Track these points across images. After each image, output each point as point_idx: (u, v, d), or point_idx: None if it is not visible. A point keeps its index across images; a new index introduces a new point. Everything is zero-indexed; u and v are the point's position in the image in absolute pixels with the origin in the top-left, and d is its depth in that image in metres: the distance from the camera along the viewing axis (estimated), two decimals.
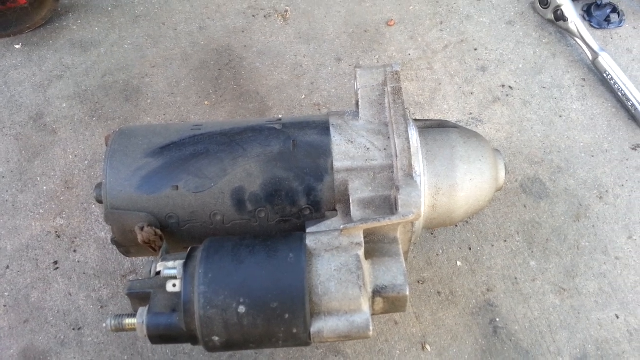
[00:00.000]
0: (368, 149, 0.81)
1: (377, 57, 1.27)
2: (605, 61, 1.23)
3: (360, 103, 0.85)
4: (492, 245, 1.03)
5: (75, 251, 0.99)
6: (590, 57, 1.26)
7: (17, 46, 1.23)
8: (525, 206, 1.07)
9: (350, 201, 0.78)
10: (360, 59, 1.26)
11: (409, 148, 0.79)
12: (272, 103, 1.19)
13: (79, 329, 0.91)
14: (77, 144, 1.10)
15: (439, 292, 0.98)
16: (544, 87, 1.23)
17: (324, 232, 0.75)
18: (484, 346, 0.92)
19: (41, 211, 1.03)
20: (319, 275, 0.71)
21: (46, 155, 1.09)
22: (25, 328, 0.91)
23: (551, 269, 1.00)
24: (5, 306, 0.93)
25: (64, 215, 1.02)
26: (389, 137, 0.81)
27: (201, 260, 0.71)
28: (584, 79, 1.24)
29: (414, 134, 0.83)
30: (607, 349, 0.92)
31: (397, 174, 0.79)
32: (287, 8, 1.33)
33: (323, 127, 0.83)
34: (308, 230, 0.76)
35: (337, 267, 0.72)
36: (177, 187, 0.78)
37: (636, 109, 1.17)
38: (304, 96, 1.20)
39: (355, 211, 0.77)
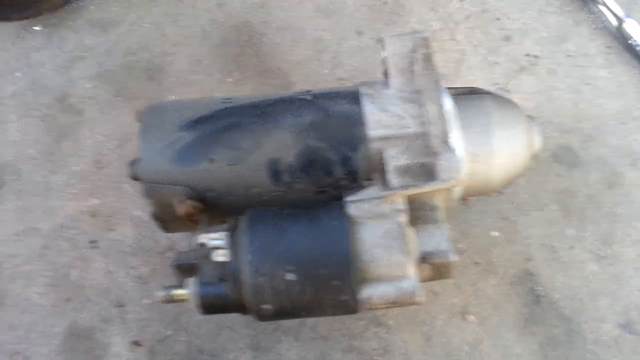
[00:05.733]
0: (401, 116, 0.81)
1: (399, 29, 1.25)
2: (631, 27, 1.22)
3: (390, 71, 0.84)
4: (528, 215, 1.02)
5: (111, 230, 1.00)
6: (615, 24, 1.24)
7: (36, 28, 1.23)
8: (558, 175, 1.07)
9: (387, 169, 0.78)
10: (381, 32, 1.25)
11: (444, 114, 0.79)
12: (295, 79, 1.18)
13: (121, 306, 0.92)
14: (104, 123, 1.11)
15: (476, 263, 0.98)
16: (569, 56, 1.21)
17: (365, 200, 0.75)
18: (525, 314, 0.93)
19: (74, 191, 1.03)
20: (364, 242, 0.71)
21: (74, 136, 1.09)
22: (67, 306, 0.93)
23: (588, 236, 1.00)
24: (46, 285, 0.95)
25: (97, 195, 1.03)
26: (421, 105, 0.81)
27: (246, 230, 0.71)
28: (609, 47, 1.22)
29: (447, 100, 0.83)
30: None
31: (433, 141, 0.78)
32: None
33: (354, 97, 0.83)
34: (347, 198, 0.76)
35: (381, 234, 0.72)
36: (213, 159, 0.78)
37: None
38: (327, 71, 1.19)
39: (392, 179, 0.77)
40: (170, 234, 0.97)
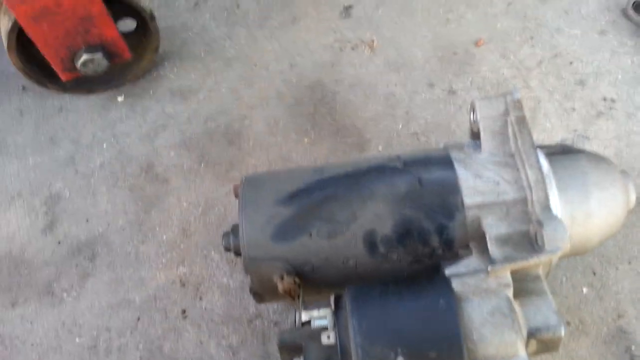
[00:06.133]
0: (497, 182, 0.79)
1: (470, 79, 1.24)
2: None
3: (482, 135, 0.83)
4: (617, 268, 0.98)
5: (201, 298, 1.01)
6: None
7: (119, 99, 1.28)
8: None
9: (487, 238, 0.76)
10: (452, 83, 1.24)
11: (543, 179, 0.77)
12: (369, 135, 1.18)
13: None
14: (189, 191, 1.13)
15: (568, 322, 0.94)
16: None
17: (468, 274, 0.73)
18: None
19: (164, 261, 1.05)
20: (472, 321, 0.69)
21: (161, 205, 1.12)
22: None
23: None
24: (141, 358, 0.96)
25: (185, 264, 1.05)
26: (517, 169, 0.79)
27: (352, 310, 0.70)
28: None
29: (545, 164, 0.81)
30: None
31: (532, 207, 0.76)
32: (373, 38, 1.33)
33: (446, 162, 0.82)
34: (447, 271, 0.74)
35: (489, 312, 0.70)
36: (311, 234, 0.78)
37: None
38: (400, 126, 1.19)
39: (494, 249, 0.75)
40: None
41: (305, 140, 1.19)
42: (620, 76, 1.22)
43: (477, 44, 1.30)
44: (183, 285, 1.02)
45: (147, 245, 1.08)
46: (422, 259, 0.79)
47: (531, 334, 0.70)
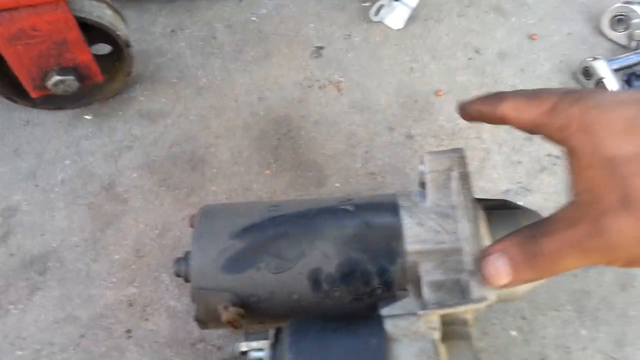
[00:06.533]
0: (438, 232, 0.85)
1: (428, 126, 1.32)
2: None
3: (428, 186, 0.88)
4: (545, 315, 1.05)
5: (147, 319, 1.02)
6: None
7: (87, 117, 1.30)
8: (575, 275, 1.09)
9: (422, 283, 0.81)
10: (411, 128, 1.31)
11: (478, 232, 0.83)
12: (329, 172, 1.23)
13: None
14: (147, 212, 1.15)
15: None
16: None
17: (401, 316, 0.78)
18: None
19: (114, 280, 1.07)
20: None
21: (118, 225, 1.14)
22: None
23: (601, 337, 1.01)
24: None
25: (135, 284, 1.06)
26: (456, 221, 0.85)
27: (290, 345, 0.73)
28: None
29: (482, 219, 0.87)
30: None
31: (466, 258, 0.82)
32: (341, 79, 1.39)
33: (393, 209, 0.87)
34: (383, 311, 0.79)
35: (416, 353, 0.74)
36: (259, 267, 0.82)
37: None
38: (359, 165, 1.25)
39: (428, 294, 0.80)
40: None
41: (267, 171, 1.23)
42: None
43: (437, 94, 1.38)
44: (131, 305, 1.04)
45: (99, 264, 1.09)
46: (362, 297, 0.84)
47: None
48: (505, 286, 0.70)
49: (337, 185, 1.22)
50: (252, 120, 1.31)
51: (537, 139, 1.36)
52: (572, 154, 0.66)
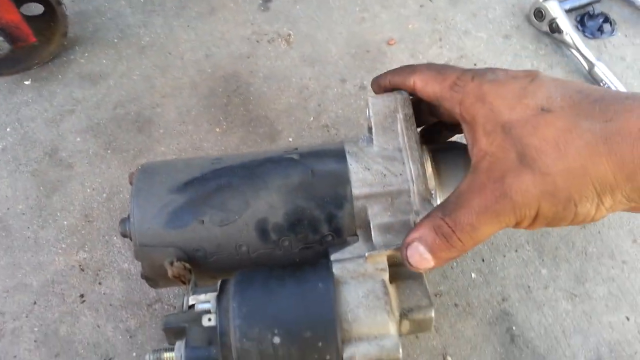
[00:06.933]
0: (384, 175, 0.84)
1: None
2: (601, 70, 1.27)
3: (374, 130, 0.87)
4: (504, 256, 1.06)
5: (100, 283, 1.01)
6: (587, 67, 1.30)
7: (26, 82, 1.25)
8: None
9: (371, 227, 0.81)
10: (364, 79, 1.29)
11: (424, 173, 0.83)
12: (281, 127, 1.21)
13: (110, 359, 0.93)
14: (94, 177, 1.12)
15: (456, 304, 1.01)
16: None
17: (349, 260, 0.78)
18: (502, 354, 0.95)
19: (63, 246, 1.04)
20: (347, 303, 0.73)
21: (64, 190, 1.11)
22: None
23: (562, 275, 1.03)
24: (35, 341, 0.95)
25: (86, 249, 1.04)
26: (403, 163, 0.84)
27: (234, 294, 0.73)
28: None
29: (427, 159, 0.87)
30: (620, 351, 0.95)
31: (414, 198, 0.82)
32: (290, 32, 1.36)
33: (339, 155, 0.86)
34: (332, 257, 0.79)
35: (364, 294, 0.75)
36: (203, 221, 0.81)
37: None
38: (312, 118, 1.23)
39: (376, 236, 0.80)
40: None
41: (217, 129, 1.20)
42: None
43: (389, 43, 1.36)
44: (82, 270, 1.02)
45: (47, 230, 1.06)
46: (312, 245, 0.83)
47: (404, 315, 0.76)
48: (435, 267, 0.72)
49: (290, 140, 1.20)
50: (199, 78, 1.27)
51: None
52: (470, 125, 0.72)
